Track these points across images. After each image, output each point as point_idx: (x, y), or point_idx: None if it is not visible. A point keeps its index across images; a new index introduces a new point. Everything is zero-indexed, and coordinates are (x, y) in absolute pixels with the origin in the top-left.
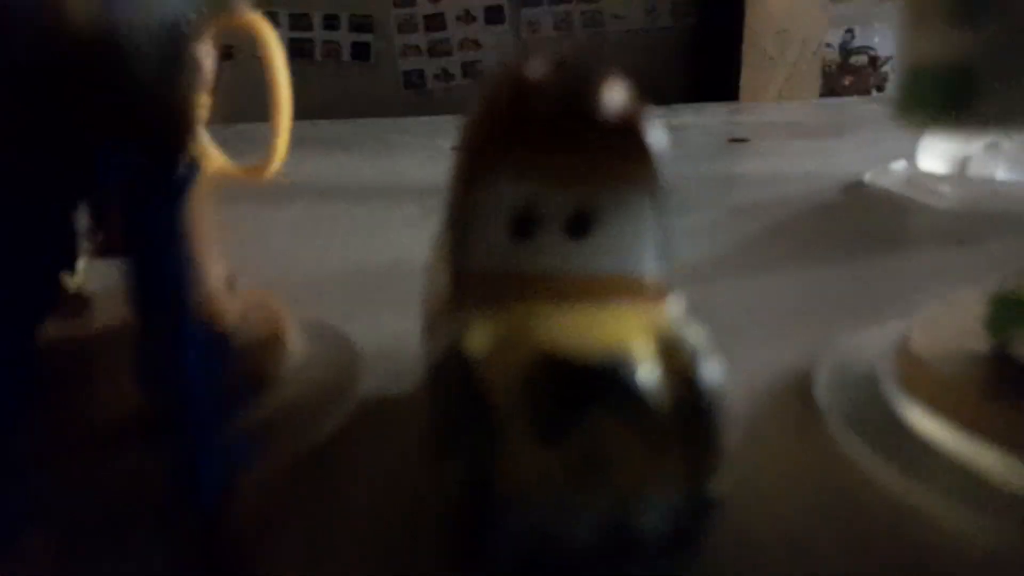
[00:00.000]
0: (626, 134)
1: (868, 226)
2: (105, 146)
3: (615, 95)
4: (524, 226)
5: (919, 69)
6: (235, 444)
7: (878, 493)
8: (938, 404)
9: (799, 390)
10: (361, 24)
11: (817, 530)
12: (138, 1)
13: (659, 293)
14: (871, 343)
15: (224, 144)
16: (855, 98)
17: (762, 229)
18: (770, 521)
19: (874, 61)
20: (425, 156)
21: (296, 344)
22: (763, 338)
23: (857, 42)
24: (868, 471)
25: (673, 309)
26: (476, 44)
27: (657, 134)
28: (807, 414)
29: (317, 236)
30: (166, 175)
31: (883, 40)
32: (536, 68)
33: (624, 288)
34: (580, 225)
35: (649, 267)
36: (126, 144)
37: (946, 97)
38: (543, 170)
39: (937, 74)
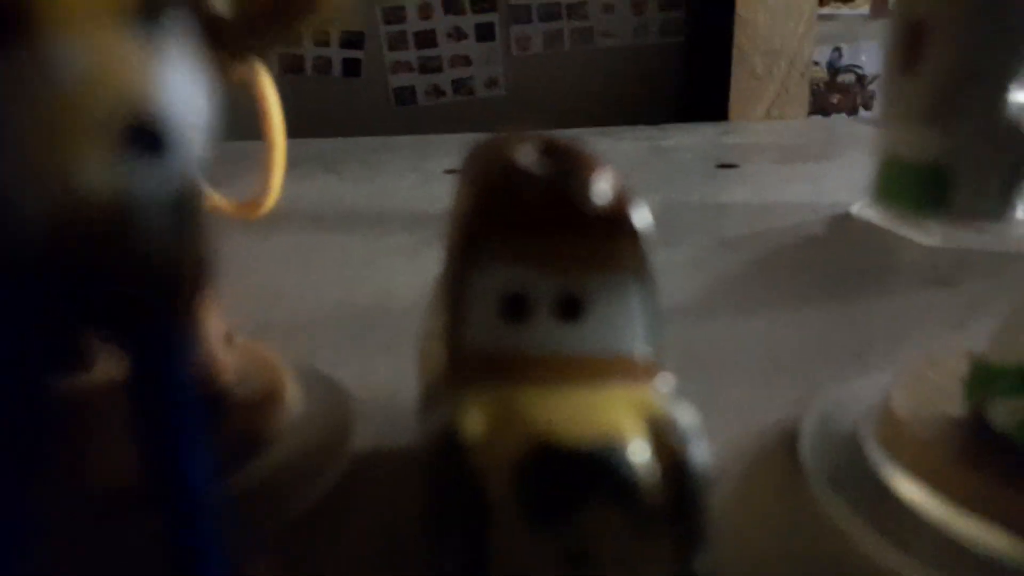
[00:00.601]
0: (614, 218)
1: (854, 263)
2: (113, 307)
3: (602, 180)
4: (516, 309)
5: (896, 164)
6: (229, 510)
7: (860, 558)
8: (917, 468)
9: (783, 447)
10: (352, 40)
11: None
12: (151, 172)
13: (649, 372)
14: (855, 397)
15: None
16: (843, 116)
17: (746, 266)
18: None
19: (861, 80)
20: (415, 179)
21: (293, 399)
22: (747, 386)
23: (844, 60)
24: (850, 534)
25: (663, 386)
26: (467, 61)
27: (643, 216)
28: (791, 474)
29: (306, 269)
30: (175, 325)
31: (870, 58)
32: (524, 153)
33: (615, 369)
34: (571, 308)
35: (639, 347)
36: (136, 303)
37: (921, 192)
38: (533, 255)
39: (913, 170)
